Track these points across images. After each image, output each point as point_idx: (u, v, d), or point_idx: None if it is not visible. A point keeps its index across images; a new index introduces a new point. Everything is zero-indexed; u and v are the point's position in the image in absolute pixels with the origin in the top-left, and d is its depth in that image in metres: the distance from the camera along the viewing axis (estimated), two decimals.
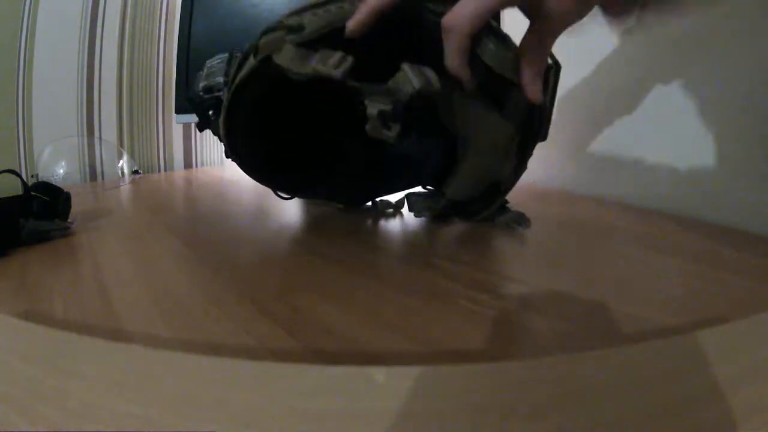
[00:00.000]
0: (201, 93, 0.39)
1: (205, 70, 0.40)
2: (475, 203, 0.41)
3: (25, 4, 0.72)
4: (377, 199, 0.48)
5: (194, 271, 0.33)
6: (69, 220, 0.42)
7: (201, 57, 0.74)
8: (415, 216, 0.44)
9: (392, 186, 0.48)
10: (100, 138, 0.82)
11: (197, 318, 0.25)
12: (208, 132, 0.42)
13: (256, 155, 0.40)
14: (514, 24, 0.32)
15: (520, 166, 0.37)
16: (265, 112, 0.38)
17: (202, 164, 0.98)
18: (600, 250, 0.35)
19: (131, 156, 0.84)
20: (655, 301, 0.26)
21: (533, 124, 0.35)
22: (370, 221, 0.45)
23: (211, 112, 0.40)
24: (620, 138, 0.51)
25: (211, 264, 0.34)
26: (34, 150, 0.74)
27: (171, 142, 0.92)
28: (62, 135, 0.76)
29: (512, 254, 0.35)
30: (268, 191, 0.44)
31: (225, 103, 0.35)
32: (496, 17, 0.33)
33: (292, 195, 0.45)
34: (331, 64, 0.28)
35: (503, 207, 0.41)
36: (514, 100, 0.33)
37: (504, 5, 0.27)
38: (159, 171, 0.91)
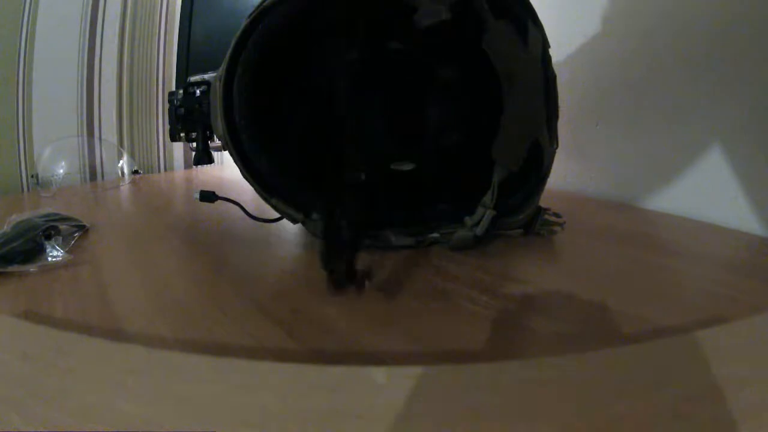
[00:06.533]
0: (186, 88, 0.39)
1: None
2: (517, 193, 0.36)
3: (25, 4, 0.72)
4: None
5: (194, 271, 0.33)
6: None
7: (201, 57, 0.75)
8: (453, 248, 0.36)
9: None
10: (100, 138, 0.82)
11: (197, 318, 0.25)
12: None
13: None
14: None
15: (552, 141, 0.36)
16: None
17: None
18: (599, 250, 0.35)
19: (131, 156, 0.84)
20: (655, 301, 0.26)
21: (549, 101, 0.35)
22: None
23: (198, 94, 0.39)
24: (619, 137, 0.51)
25: (211, 264, 0.34)
26: (34, 150, 0.74)
27: (171, 142, 0.92)
28: (62, 135, 0.76)
29: (512, 254, 0.35)
30: None
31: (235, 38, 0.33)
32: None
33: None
34: None
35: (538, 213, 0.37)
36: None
37: None
38: (159, 171, 0.91)
